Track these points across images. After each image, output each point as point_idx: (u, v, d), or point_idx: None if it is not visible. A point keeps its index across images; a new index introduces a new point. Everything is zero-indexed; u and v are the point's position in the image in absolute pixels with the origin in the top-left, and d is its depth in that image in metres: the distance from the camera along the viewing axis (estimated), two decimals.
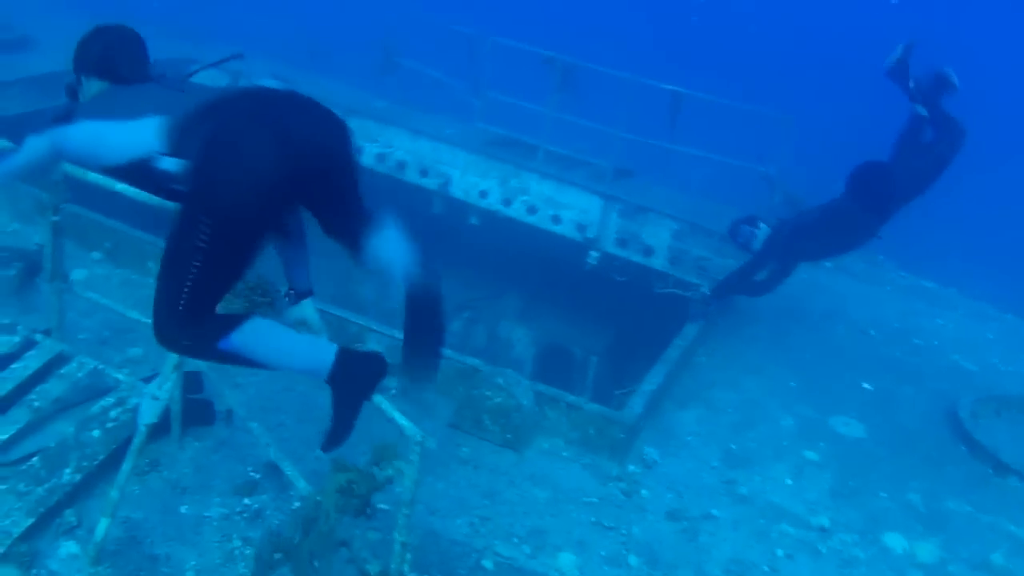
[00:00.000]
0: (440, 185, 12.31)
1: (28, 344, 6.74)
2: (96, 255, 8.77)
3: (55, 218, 6.10)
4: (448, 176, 12.34)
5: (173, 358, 5.52)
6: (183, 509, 6.13)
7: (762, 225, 9.66)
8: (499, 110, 13.21)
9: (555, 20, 29.95)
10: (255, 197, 4.00)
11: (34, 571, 5.55)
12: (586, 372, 13.27)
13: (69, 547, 5.70)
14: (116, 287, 8.42)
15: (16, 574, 5.53)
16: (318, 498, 4.78)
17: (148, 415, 5.44)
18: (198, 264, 4.10)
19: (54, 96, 9.53)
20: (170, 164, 4.08)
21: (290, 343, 4.49)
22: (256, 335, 4.38)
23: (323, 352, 4.49)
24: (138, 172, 4.21)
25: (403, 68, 14.36)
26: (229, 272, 4.28)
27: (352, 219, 4.44)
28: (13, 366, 6.55)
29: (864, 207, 9.08)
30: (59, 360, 6.69)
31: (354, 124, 11.88)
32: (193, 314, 4.23)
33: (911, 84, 9.28)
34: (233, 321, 4.37)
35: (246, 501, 6.26)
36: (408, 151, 12.48)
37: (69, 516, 5.86)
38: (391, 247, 4.36)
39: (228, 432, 6.77)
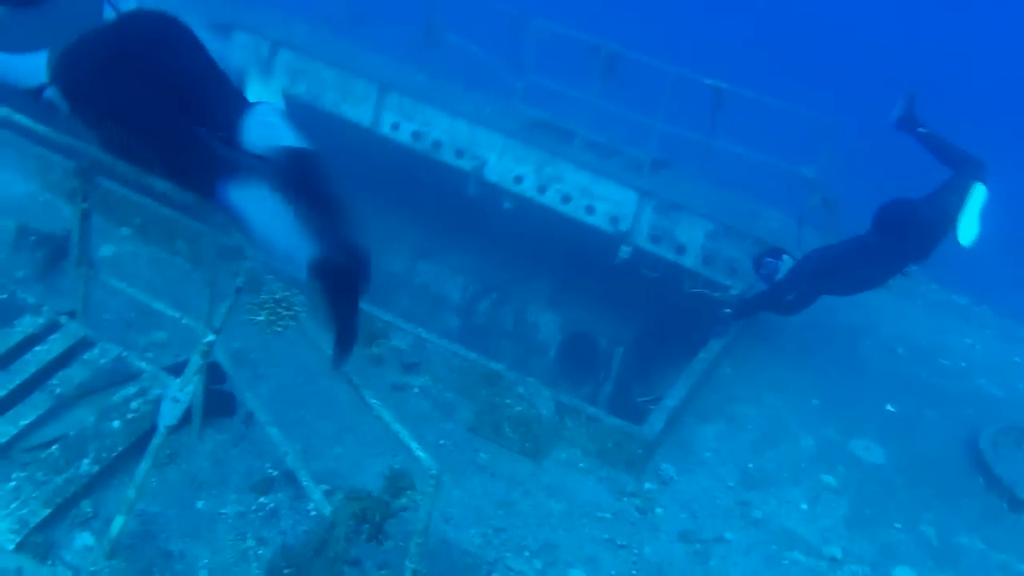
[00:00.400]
0: (475, 168, 12.25)
1: (52, 326, 6.75)
2: (125, 230, 8.75)
3: (83, 205, 6.10)
4: (484, 159, 12.28)
5: (197, 360, 5.53)
6: (199, 504, 6.16)
7: (786, 258, 9.56)
8: (539, 93, 13.12)
9: None
10: (100, 89, 4.66)
11: (49, 562, 5.60)
12: (610, 363, 13.25)
13: (84, 539, 5.74)
14: (144, 265, 8.42)
15: (31, 564, 5.57)
16: (332, 520, 4.79)
17: (168, 417, 5.46)
18: (131, 140, 4.77)
19: None
20: (51, 92, 4.83)
21: None
22: None
23: None
24: (34, 98, 4.91)
25: (446, 43, 14.24)
26: (148, 135, 4.73)
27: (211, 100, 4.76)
28: (36, 348, 6.56)
29: (888, 246, 8.96)
30: (82, 345, 6.70)
31: (391, 101, 11.92)
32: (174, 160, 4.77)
33: (922, 130, 9.19)
34: None
35: (262, 500, 6.27)
36: (445, 131, 12.43)
37: (85, 507, 5.89)
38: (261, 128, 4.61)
39: (247, 417, 6.77)
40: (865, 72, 28.35)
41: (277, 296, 5.13)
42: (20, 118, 6.18)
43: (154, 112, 4.67)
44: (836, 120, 12.66)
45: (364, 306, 8.04)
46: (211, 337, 5.52)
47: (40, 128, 6.04)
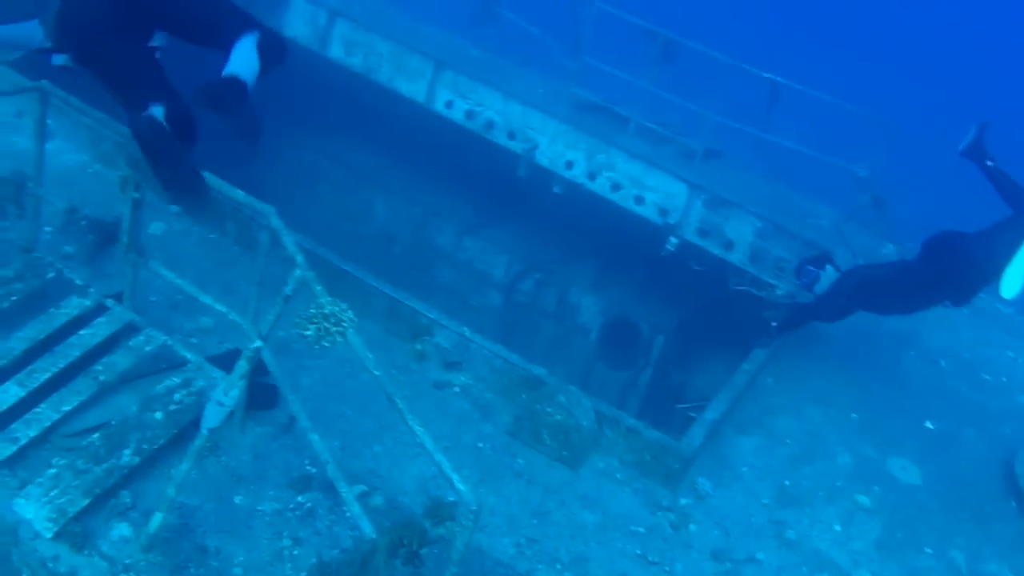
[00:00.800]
0: (526, 150, 12.14)
1: (99, 309, 6.79)
2: (175, 208, 8.73)
3: (135, 195, 6.12)
4: (536, 142, 12.17)
5: (243, 365, 5.55)
6: (237, 500, 6.20)
7: (828, 267, 9.41)
8: (594, 76, 12.99)
9: None
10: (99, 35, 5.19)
11: (86, 552, 5.66)
12: (651, 350, 13.21)
13: (122, 529, 5.80)
14: (193, 245, 8.45)
15: (68, 553, 5.64)
16: (372, 547, 4.82)
17: (212, 420, 5.48)
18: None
19: None
20: (59, 59, 5.35)
21: None
22: None
23: None
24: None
25: (503, 20, 14.12)
26: (134, 76, 5.34)
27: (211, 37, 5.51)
28: (81, 332, 6.61)
29: (932, 278, 8.83)
30: (128, 330, 6.74)
31: (446, 79, 11.84)
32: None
33: (988, 163, 8.97)
34: None
35: (299, 499, 6.30)
36: (498, 112, 12.33)
37: (124, 497, 5.95)
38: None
39: (289, 419, 6.77)
40: (947, 74, 27.85)
41: (326, 311, 5.14)
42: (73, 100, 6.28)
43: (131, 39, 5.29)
44: (892, 119, 12.48)
45: (409, 301, 8.11)
46: (258, 343, 5.54)
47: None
